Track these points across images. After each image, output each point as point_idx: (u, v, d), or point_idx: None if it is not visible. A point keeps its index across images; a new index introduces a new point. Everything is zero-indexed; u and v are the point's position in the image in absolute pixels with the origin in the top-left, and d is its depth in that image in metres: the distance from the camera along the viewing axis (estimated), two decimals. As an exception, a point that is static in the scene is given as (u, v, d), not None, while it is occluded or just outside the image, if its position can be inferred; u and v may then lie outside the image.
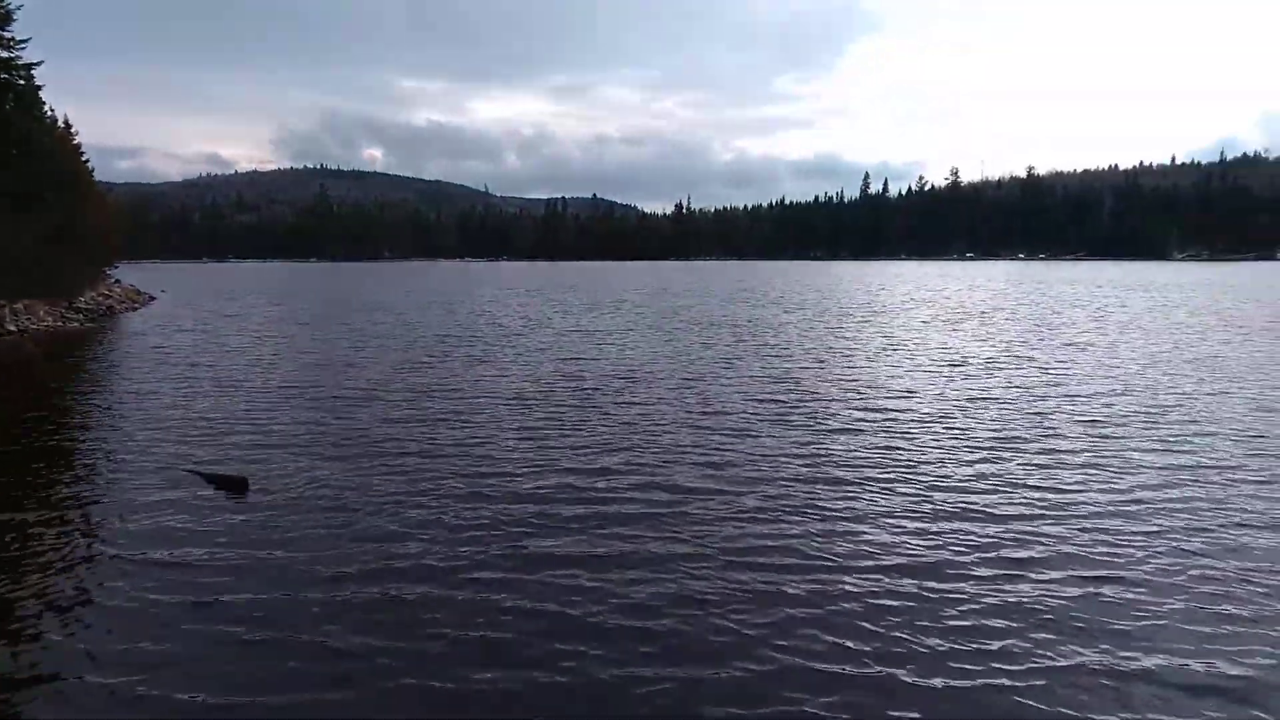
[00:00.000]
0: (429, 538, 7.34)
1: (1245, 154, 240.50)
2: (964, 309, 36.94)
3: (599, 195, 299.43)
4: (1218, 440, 10.98)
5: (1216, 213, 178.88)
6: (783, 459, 10.04)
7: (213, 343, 23.63)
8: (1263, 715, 4.65)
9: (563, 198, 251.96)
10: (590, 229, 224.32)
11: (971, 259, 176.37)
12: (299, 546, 7.17)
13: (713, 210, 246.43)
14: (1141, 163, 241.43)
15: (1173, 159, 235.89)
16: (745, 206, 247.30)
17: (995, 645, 5.41)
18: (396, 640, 5.50)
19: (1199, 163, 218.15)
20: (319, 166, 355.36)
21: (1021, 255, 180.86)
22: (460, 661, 5.25)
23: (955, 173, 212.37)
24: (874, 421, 12.25)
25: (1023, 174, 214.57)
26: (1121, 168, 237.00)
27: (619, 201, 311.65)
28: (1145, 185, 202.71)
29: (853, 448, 10.63)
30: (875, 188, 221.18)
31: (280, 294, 53.92)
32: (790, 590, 6.25)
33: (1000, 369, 17.68)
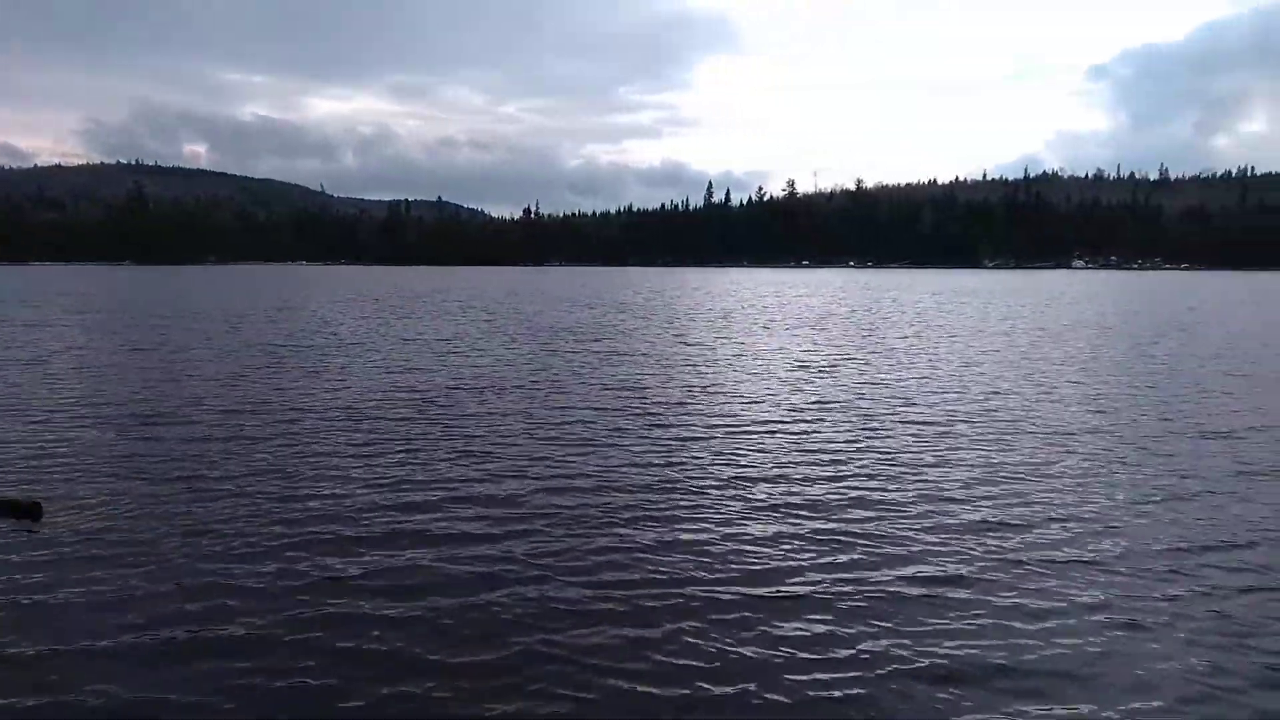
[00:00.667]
0: (251, 584, 6.57)
1: (1045, 171, 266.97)
2: (803, 315, 38.49)
3: (444, 198, 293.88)
4: (1039, 438, 11.74)
5: (1021, 225, 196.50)
6: (629, 472, 9.85)
7: (-2, 356, 20.98)
8: (1104, 710, 4.84)
9: (406, 200, 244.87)
10: (436, 233, 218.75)
11: (807, 266, 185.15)
12: (98, 596, 6.20)
13: (562, 216, 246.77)
14: (957, 178, 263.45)
15: (984, 175, 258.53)
16: (594, 213, 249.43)
17: (842, 653, 5.40)
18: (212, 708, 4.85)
19: (1006, 179, 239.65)
20: (134, 162, 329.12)
21: (852, 263, 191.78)
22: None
23: (791, 184, 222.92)
24: (718, 429, 12.31)
25: (852, 186, 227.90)
26: (940, 182, 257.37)
27: (466, 205, 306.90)
28: (960, 199, 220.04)
29: (698, 457, 10.59)
30: (718, 197, 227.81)
31: (87, 300, 48.99)
32: (631, 618, 6.03)
33: (838, 373, 18.35)
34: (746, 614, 6.06)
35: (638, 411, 13.73)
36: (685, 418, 13.23)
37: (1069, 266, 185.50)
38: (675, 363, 20.28)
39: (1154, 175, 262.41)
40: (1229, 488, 9.37)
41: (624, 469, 10.03)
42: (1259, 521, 8.17)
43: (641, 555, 7.21)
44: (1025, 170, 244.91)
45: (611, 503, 8.68)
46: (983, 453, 11.01)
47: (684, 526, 7.96)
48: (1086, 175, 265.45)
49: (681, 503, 8.70)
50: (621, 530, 7.84)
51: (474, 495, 8.90)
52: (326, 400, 14.53)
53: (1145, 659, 5.47)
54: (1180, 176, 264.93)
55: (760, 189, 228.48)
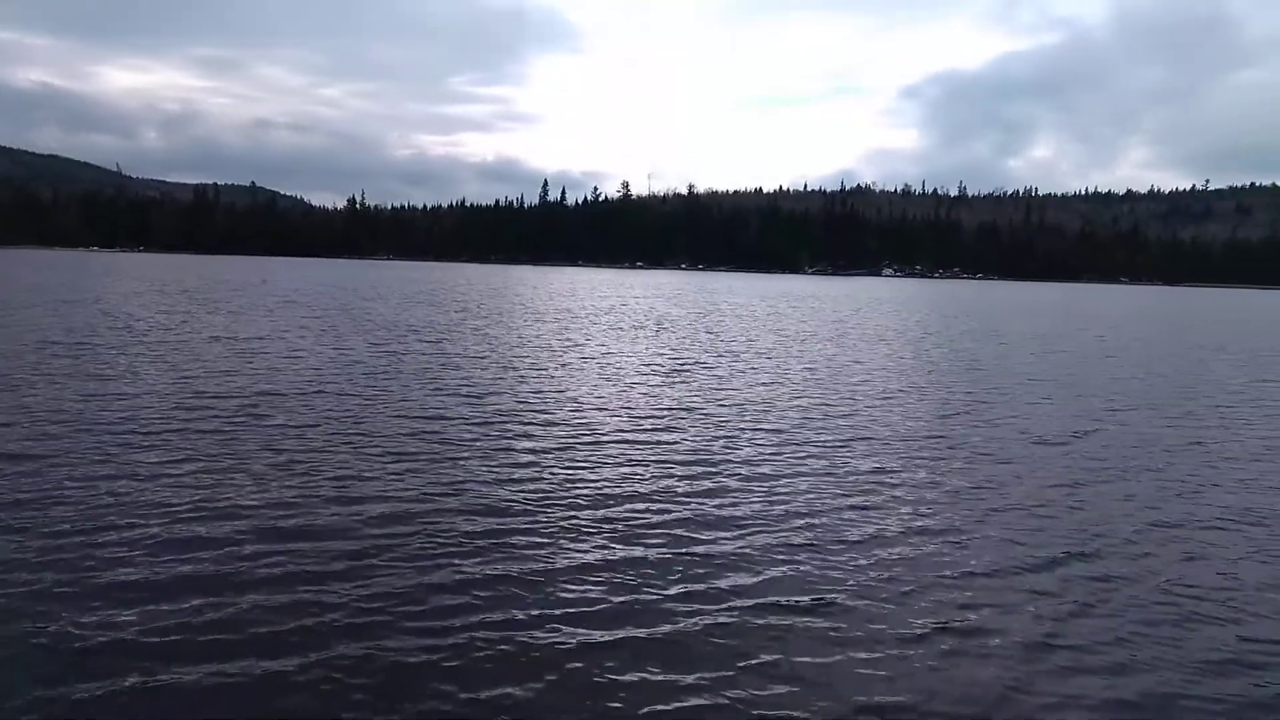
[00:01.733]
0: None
1: (859, 185, 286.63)
2: (645, 316, 38.47)
3: (258, 184, 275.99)
4: (877, 445, 11.79)
5: (837, 234, 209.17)
6: (467, 490, 8.90)
7: None
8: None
9: (215, 183, 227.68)
10: (249, 220, 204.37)
11: (641, 267, 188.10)
12: None
13: (390, 207, 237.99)
14: (781, 187, 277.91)
15: (805, 186, 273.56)
16: (425, 206, 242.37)
17: (688, 676, 4.81)
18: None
19: (824, 190, 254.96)
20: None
21: (684, 265, 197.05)
22: None
23: (626, 186, 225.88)
24: (563, 439, 11.55)
25: (685, 191, 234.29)
26: (765, 191, 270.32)
27: (283, 192, 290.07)
28: (783, 208, 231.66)
29: (542, 471, 9.78)
30: (554, 195, 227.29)
31: None
32: (464, 653, 5.20)
33: (684, 378, 18.09)
34: (586, 643, 5.37)
35: (477, 421, 12.73)
36: (529, 427, 12.38)
37: (879, 274, 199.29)
38: (517, 366, 19.34)
39: (954, 191, 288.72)
40: (1064, 495, 9.67)
41: (462, 486, 9.05)
42: (1095, 528, 8.41)
43: (476, 586, 6.35)
44: (842, 183, 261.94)
45: (446, 525, 7.71)
46: (826, 461, 10.90)
47: (524, 551, 7.14)
48: (896, 190, 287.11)
49: (525, 523, 7.88)
50: (457, 558, 6.91)
51: (288, 522, 7.67)
52: (113, 409, 12.53)
53: (991, 669, 5.35)
54: (977, 194, 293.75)
55: (596, 189, 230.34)
